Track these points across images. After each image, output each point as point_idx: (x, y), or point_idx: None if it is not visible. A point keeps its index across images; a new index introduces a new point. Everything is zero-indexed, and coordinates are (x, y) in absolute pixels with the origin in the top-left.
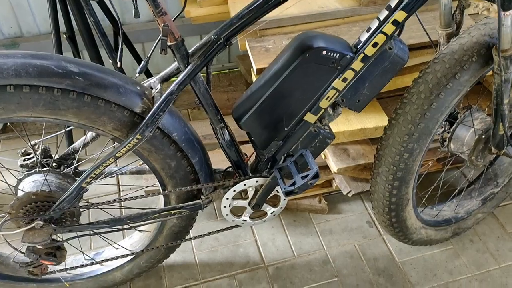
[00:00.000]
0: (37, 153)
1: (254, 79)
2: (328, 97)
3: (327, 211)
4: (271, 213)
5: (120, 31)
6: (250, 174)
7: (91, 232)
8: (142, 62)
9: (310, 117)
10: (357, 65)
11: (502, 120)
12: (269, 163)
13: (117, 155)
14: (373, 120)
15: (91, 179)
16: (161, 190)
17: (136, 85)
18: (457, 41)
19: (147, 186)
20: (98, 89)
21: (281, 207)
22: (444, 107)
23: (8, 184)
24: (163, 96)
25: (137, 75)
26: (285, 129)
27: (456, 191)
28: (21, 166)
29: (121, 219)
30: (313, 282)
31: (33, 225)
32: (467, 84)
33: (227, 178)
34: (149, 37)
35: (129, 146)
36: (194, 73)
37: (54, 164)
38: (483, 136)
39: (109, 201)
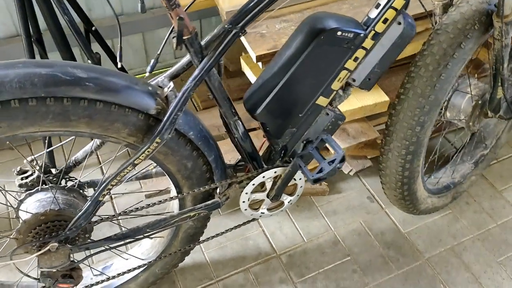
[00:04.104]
0: (37, 169)
1: (244, 66)
2: (340, 78)
3: (328, 192)
4: (288, 202)
5: (119, 26)
6: (265, 166)
7: (108, 247)
8: (152, 61)
9: (322, 101)
10: (368, 43)
11: (502, 84)
12: (283, 151)
13: (135, 162)
14: (372, 97)
15: (107, 191)
16: (176, 193)
17: (147, 85)
18: (457, 11)
19: (160, 191)
20: (110, 94)
21: (297, 195)
22: (451, 77)
23: (12, 206)
24: (180, 94)
25: (147, 74)
26: (300, 115)
27: (454, 155)
28: (20, 186)
29: (140, 228)
30: (328, 264)
31: (47, 248)
32: (470, 52)
33: (238, 173)
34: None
35: (148, 151)
36: (210, 67)
37: (54, 179)
38: (480, 102)
39: (125, 212)
